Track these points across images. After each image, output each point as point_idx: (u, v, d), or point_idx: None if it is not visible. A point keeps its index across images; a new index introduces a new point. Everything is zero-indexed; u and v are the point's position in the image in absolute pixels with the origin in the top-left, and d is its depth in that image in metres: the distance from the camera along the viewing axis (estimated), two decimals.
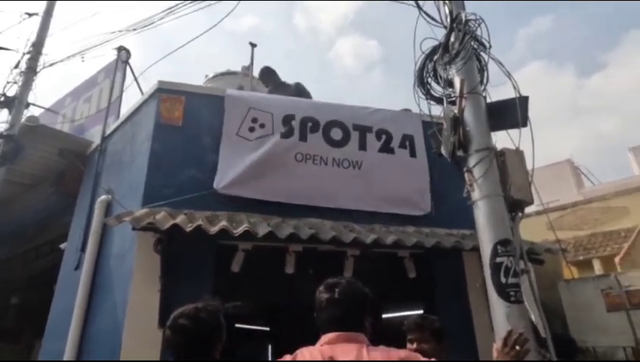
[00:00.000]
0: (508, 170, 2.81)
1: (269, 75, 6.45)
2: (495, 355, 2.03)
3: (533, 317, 2.48)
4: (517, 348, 1.97)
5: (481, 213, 2.70)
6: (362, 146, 4.91)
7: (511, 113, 2.93)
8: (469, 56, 3.04)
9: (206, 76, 7.53)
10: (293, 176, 4.60)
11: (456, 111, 2.96)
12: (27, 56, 7.50)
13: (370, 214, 4.68)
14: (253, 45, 7.01)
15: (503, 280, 2.45)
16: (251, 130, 4.65)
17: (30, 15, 8.18)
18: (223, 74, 7.42)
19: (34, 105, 7.38)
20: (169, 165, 4.42)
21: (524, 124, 2.93)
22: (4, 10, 17.59)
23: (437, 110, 3.26)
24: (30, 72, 7.39)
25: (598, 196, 10.25)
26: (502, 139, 2.98)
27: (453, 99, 3.08)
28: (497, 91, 3.17)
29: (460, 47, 3.02)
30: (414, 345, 2.36)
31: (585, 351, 6.32)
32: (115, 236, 4.55)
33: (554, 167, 13.71)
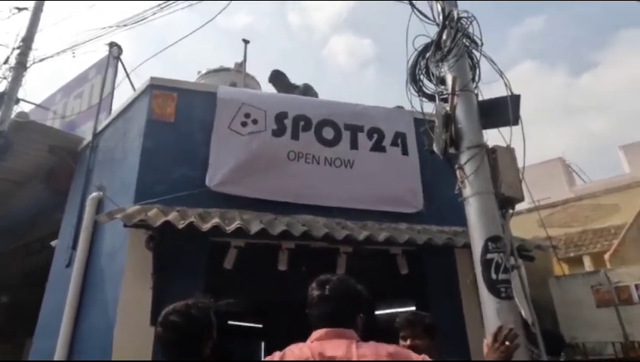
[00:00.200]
0: (499, 167, 2.83)
1: (278, 78, 6.51)
2: (485, 351, 2.05)
3: (523, 313, 2.51)
4: (507, 343, 1.99)
5: (472, 210, 2.71)
6: (354, 145, 4.93)
7: (502, 111, 2.95)
8: (461, 53, 3.05)
9: (198, 73, 7.49)
10: (286, 174, 4.61)
11: (448, 108, 2.97)
12: (17, 52, 7.41)
13: (362, 212, 4.69)
14: (246, 42, 6.99)
15: (494, 276, 2.47)
16: (244, 124, 4.64)
17: (20, 10, 8.08)
18: (215, 70, 7.38)
19: (24, 101, 7.32)
20: (161, 162, 4.40)
21: (516, 123, 2.95)
22: None
23: (429, 107, 3.27)
24: (20, 67, 7.30)
25: (589, 193, 10.36)
26: (493, 137, 3.00)
27: (446, 96, 3.09)
28: (489, 89, 3.19)
29: (452, 44, 3.03)
30: (407, 342, 2.37)
31: (575, 346, 6.41)
32: (106, 233, 4.52)
33: (546, 164, 13.82)
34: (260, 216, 4.15)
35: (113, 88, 6.34)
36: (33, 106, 7.69)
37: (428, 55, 3.21)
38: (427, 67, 3.24)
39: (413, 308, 4.64)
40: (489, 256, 2.52)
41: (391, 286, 5.20)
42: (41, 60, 7.57)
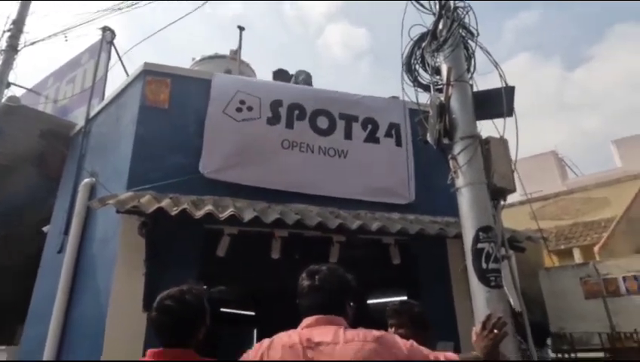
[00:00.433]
0: (492, 158, 2.84)
1: (282, 76, 6.49)
2: (474, 338, 2.08)
3: (512, 302, 2.54)
4: (495, 331, 2.01)
5: (464, 200, 2.73)
6: (348, 135, 4.94)
7: (497, 102, 2.95)
8: (457, 43, 3.04)
9: (193, 59, 7.40)
10: (280, 163, 4.60)
11: (442, 98, 2.97)
12: (7, 34, 7.29)
13: (355, 202, 4.71)
14: (241, 29, 6.92)
15: (484, 265, 2.50)
16: (239, 110, 4.62)
17: None
18: (210, 57, 7.29)
19: (15, 85, 7.21)
20: (154, 148, 4.37)
21: (510, 114, 2.96)
22: None
23: (424, 97, 3.27)
24: (11, 50, 7.18)
25: (580, 187, 10.47)
26: (487, 128, 3.02)
27: (440, 86, 3.09)
28: (484, 80, 3.19)
29: (447, 34, 3.02)
30: (394, 330, 2.39)
31: (562, 336, 6.52)
32: (99, 219, 4.50)
33: (538, 157, 13.90)
34: (254, 204, 4.16)
35: (106, 73, 6.25)
36: (25, 91, 7.59)
37: (424, 45, 3.20)
38: (423, 57, 3.24)
39: (404, 298, 4.68)
40: (480, 245, 2.54)
41: (383, 276, 5.24)
42: (32, 44, 7.46)
